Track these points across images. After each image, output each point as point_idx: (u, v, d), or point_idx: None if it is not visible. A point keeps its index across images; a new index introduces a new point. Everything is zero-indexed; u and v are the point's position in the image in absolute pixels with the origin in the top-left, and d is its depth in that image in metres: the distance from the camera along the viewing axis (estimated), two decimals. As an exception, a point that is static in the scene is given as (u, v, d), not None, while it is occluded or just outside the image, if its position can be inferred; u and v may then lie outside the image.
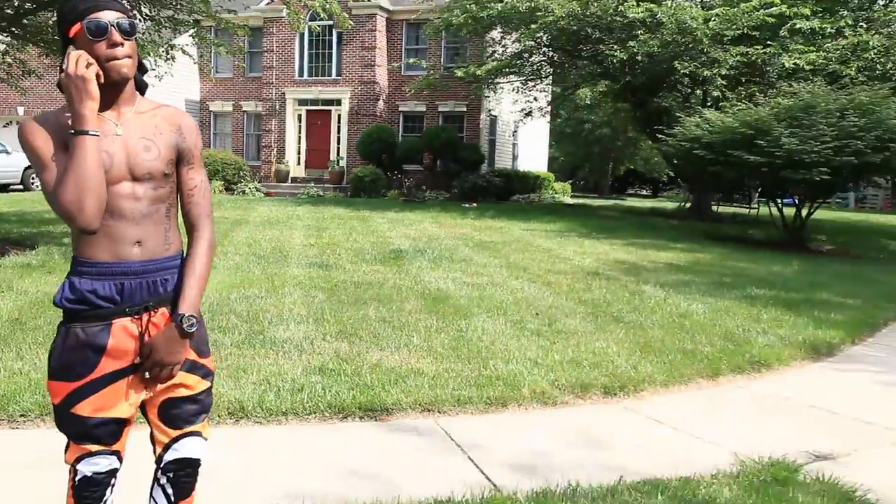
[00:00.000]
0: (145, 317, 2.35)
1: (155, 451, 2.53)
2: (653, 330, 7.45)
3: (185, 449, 2.51)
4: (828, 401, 5.82)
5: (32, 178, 24.34)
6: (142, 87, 2.42)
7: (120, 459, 2.42)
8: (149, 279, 2.34)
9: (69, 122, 2.18)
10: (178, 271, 2.43)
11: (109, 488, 2.41)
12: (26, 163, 24.12)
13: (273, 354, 5.98)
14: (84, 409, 2.29)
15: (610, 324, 7.64)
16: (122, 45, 2.20)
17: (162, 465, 2.51)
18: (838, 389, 6.20)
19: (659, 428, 5.04)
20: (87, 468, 2.35)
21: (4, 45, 15.22)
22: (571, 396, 5.48)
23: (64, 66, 2.17)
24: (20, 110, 30.75)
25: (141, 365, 2.35)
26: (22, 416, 4.54)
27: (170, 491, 2.53)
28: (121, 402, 2.35)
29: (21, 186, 24.16)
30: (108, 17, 2.18)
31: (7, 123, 31.59)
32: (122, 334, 2.32)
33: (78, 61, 2.12)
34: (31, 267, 9.36)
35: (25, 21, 12.10)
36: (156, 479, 2.55)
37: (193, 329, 2.36)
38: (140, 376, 2.37)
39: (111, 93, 2.25)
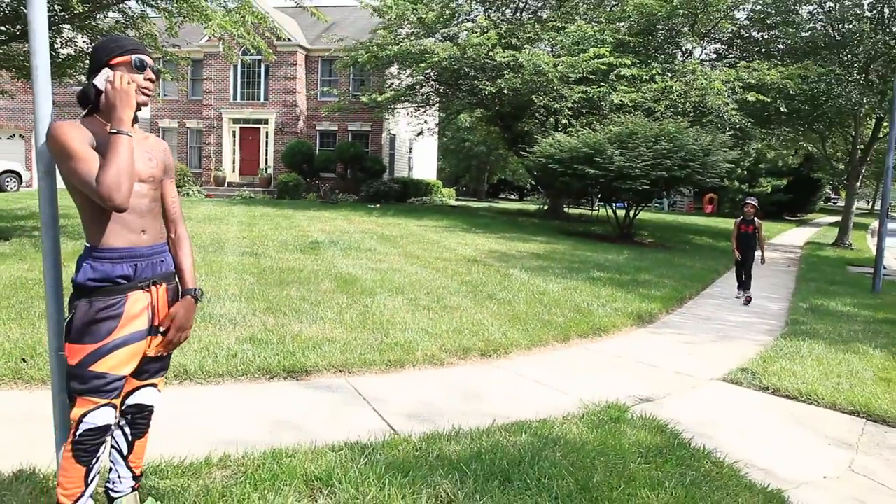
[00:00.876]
0: (153, 289, 2.43)
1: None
2: (519, 305, 7.54)
3: (142, 396, 2.56)
4: (649, 357, 6.03)
5: (7, 180, 22.70)
6: (136, 120, 2.48)
7: (116, 417, 2.39)
8: (152, 260, 2.42)
9: (91, 128, 2.29)
10: (166, 255, 2.53)
11: (104, 446, 2.38)
12: (1, 167, 22.59)
13: (211, 327, 5.76)
14: (102, 366, 2.29)
15: (485, 300, 7.69)
16: (152, 81, 2.44)
17: (122, 409, 2.54)
18: (657, 348, 6.42)
19: (524, 382, 5.10)
20: (92, 420, 2.30)
21: None
22: (455, 358, 5.48)
23: (105, 82, 2.32)
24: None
25: (151, 331, 2.44)
26: (-4, 379, 4.29)
27: (128, 431, 2.58)
28: (131, 361, 2.38)
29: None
30: (147, 60, 2.42)
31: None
32: (135, 304, 2.37)
33: (123, 78, 2.30)
34: (4, 255, 8.73)
35: (0, 51, 11.38)
36: (116, 421, 2.54)
37: (201, 298, 2.64)
38: (150, 341, 2.45)
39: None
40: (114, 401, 2.34)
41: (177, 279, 2.61)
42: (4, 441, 3.46)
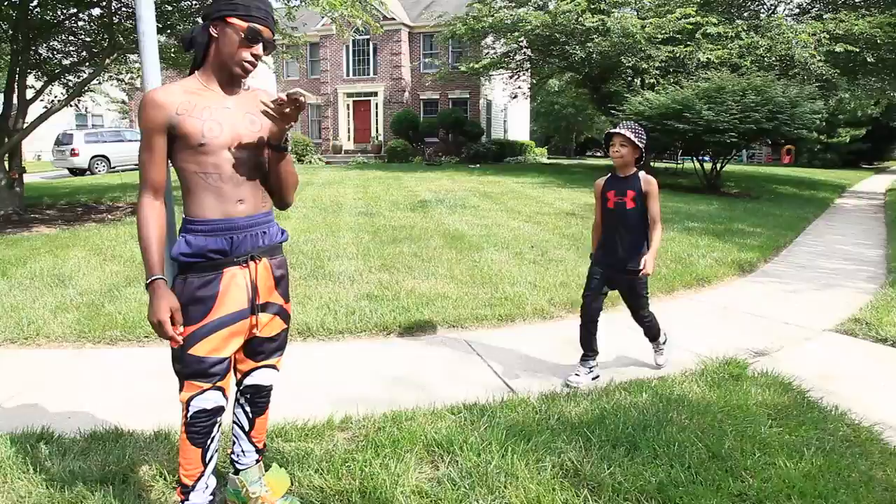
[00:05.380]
0: (252, 265, 1.97)
1: (235, 375, 2.13)
2: (619, 256, 6.85)
3: (260, 377, 2.16)
4: (756, 307, 5.27)
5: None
6: (240, 84, 2.04)
7: (225, 397, 1.98)
8: (251, 232, 1.96)
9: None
10: (270, 226, 2.04)
11: (217, 426, 1.99)
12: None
13: (331, 284, 5.46)
14: (200, 349, 1.90)
15: (588, 252, 7.02)
16: (257, 57, 1.94)
17: (241, 389, 2.18)
18: (761, 298, 5.61)
19: (634, 335, 4.46)
20: (199, 403, 1.94)
21: (139, 64, 14.44)
22: (564, 311, 4.93)
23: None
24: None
25: (252, 310, 1.99)
26: (146, 336, 4.17)
27: (248, 409, 2.21)
28: (231, 343, 1.97)
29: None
30: (263, 32, 1.91)
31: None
32: (232, 282, 1.94)
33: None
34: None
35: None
36: (236, 399, 2.18)
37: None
38: (251, 320, 2.00)
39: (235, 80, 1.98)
40: (220, 383, 1.96)
41: (282, 253, 2.14)
42: (150, 397, 3.26)
